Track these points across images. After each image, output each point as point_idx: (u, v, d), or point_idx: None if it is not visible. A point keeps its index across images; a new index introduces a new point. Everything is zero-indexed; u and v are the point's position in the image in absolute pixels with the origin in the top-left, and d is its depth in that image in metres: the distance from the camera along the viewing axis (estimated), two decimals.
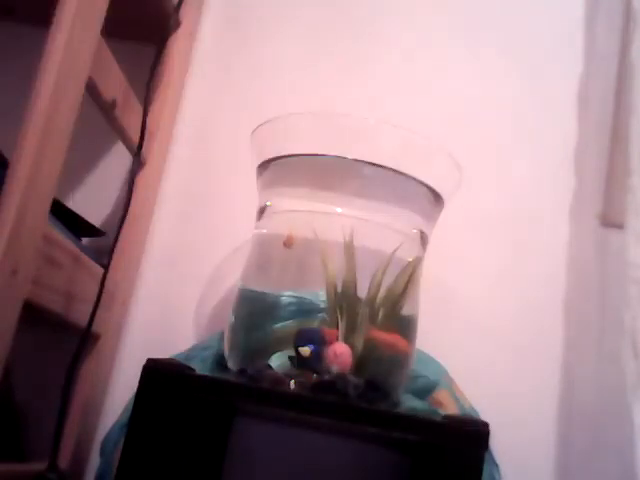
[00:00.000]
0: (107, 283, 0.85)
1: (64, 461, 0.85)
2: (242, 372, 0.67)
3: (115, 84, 0.85)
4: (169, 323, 0.99)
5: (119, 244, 0.87)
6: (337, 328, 0.68)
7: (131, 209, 0.89)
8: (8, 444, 0.91)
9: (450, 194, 0.77)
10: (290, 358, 0.65)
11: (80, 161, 1.05)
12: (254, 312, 0.74)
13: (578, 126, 1.03)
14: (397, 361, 0.71)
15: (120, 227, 0.87)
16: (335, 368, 0.64)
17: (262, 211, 0.76)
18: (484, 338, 0.96)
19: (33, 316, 0.71)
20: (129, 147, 0.95)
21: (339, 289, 0.69)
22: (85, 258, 0.84)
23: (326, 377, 0.62)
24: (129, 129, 0.91)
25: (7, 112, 0.76)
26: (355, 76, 1.07)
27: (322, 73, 1.08)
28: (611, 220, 0.97)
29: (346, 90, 1.07)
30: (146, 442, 0.58)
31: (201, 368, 0.79)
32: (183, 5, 0.99)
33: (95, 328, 0.85)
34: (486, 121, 1.05)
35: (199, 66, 1.09)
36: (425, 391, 0.83)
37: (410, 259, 0.73)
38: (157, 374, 0.59)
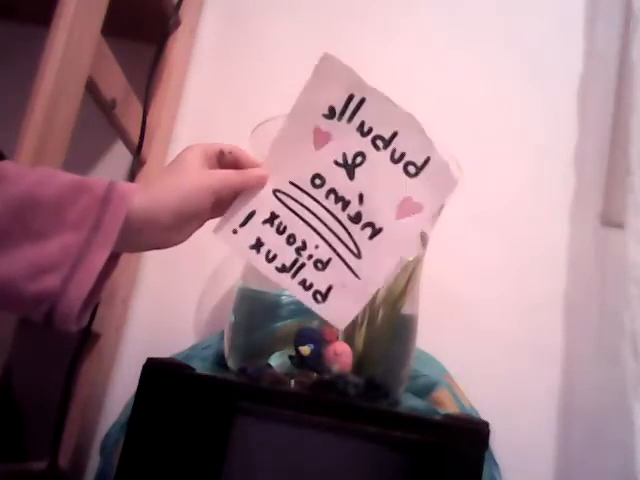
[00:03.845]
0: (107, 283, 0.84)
1: (64, 461, 0.85)
2: (242, 371, 0.67)
3: (115, 83, 0.85)
4: (169, 323, 0.99)
5: None
6: None
7: None
8: (10, 444, 0.91)
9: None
10: (290, 357, 0.65)
11: (80, 161, 1.05)
12: (254, 312, 0.74)
13: (578, 126, 1.03)
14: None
15: None
16: (335, 367, 0.64)
17: None
18: (484, 338, 0.96)
19: None
20: (129, 147, 0.95)
21: None
22: None
23: (326, 376, 0.62)
24: (129, 129, 0.91)
25: (7, 112, 0.76)
26: None
27: None
28: (611, 220, 0.97)
29: None
30: (146, 441, 0.58)
31: (201, 367, 0.79)
32: (183, 4, 0.99)
33: (95, 327, 0.85)
34: (486, 121, 1.05)
35: (199, 65, 1.09)
36: (425, 390, 0.83)
37: (410, 259, 0.73)
38: (157, 374, 0.59)
